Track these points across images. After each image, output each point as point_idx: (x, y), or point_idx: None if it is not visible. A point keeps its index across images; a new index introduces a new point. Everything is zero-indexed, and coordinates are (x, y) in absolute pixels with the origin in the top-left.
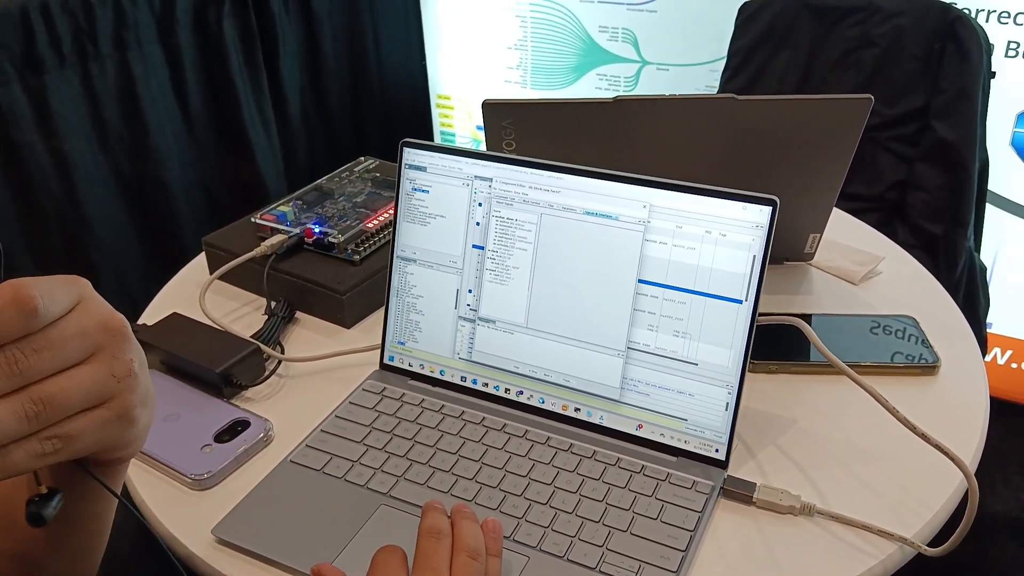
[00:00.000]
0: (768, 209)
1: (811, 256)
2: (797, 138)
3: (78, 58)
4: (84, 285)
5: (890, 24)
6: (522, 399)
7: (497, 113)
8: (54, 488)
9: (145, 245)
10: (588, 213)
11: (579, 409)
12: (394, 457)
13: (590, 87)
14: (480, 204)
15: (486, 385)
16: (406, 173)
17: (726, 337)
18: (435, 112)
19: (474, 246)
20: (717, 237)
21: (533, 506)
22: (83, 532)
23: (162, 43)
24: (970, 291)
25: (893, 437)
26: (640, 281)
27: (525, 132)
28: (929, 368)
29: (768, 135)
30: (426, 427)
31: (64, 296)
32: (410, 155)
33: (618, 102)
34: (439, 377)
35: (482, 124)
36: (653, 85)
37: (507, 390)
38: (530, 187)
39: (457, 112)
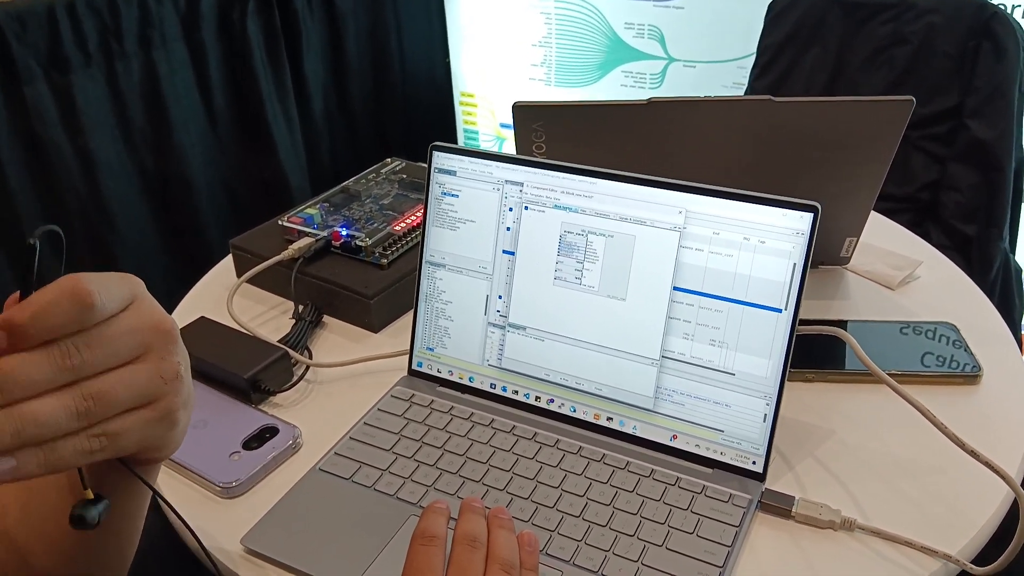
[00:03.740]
0: (809, 216)
1: (847, 260)
2: (836, 141)
3: (103, 56)
4: (137, 284)
5: (922, 21)
6: (553, 407)
7: (527, 115)
8: (100, 495)
9: (167, 242)
10: (622, 218)
11: (611, 418)
12: (423, 466)
13: (615, 84)
14: (511, 209)
15: (516, 393)
16: (435, 177)
17: (764, 347)
18: (458, 110)
19: (504, 251)
20: (756, 244)
21: (566, 519)
22: (113, 534)
23: (187, 41)
24: (1005, 294)
25: (934, 449)
26: (675, 288)
27: (556, 134)
28: (971, 378)
29: (806, 137)
30: (456, 435)
31: (119, 293)
32: (440, 159)
33: (652, 104)
34: (468, 384)
35: (506, 122)
36: (679, 82)
37: (537, 398)
38: (562, 192)
39: (480, 110)
